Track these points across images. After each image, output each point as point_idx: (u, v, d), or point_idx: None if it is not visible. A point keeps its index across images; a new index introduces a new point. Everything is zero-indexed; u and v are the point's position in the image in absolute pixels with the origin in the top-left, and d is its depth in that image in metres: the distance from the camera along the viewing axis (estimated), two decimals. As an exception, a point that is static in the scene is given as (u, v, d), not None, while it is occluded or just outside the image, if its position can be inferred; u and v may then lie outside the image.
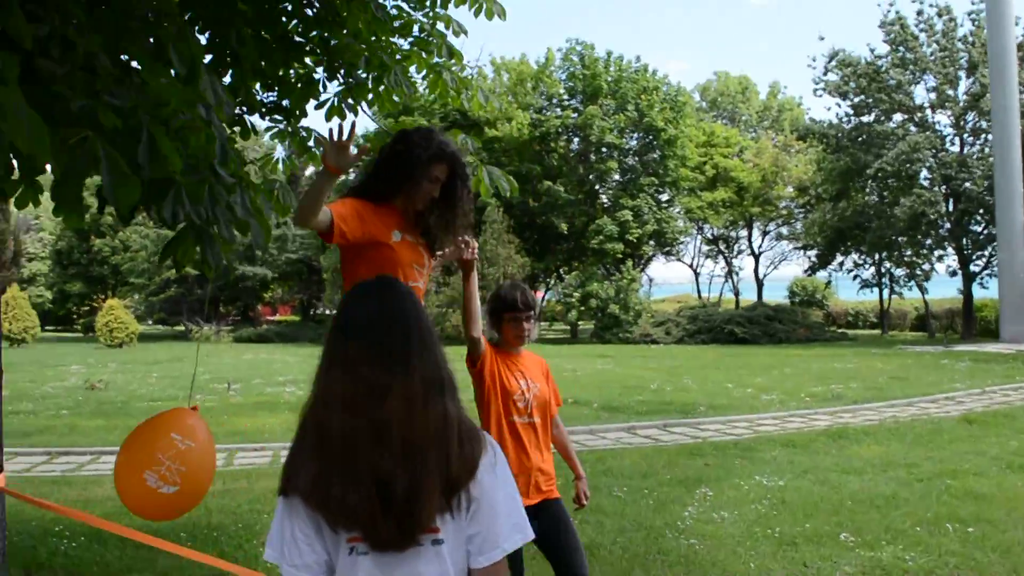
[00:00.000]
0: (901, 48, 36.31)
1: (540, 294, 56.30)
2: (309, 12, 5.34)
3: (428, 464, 1.89)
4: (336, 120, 5.67)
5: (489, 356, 4.16)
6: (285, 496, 1.98)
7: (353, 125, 3.27)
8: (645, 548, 6.67)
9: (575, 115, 42.81)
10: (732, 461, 10.16)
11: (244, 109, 5.88)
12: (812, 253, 43.61)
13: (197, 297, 49.07)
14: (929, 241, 37.38)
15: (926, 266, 38.96)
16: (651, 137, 43.32)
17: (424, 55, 5.86)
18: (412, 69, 6.11)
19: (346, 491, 1.88)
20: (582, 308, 41.75)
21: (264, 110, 5.94)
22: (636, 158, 44.78)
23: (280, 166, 6.65)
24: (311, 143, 6.30)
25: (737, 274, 54.64)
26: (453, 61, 5.84)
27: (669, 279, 70.00)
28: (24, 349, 37.98)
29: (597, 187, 45.06)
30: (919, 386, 18.00)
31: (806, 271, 45.04)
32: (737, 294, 54.01)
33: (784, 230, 51.02)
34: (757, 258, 52.14)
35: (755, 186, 45.18)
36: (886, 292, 43.30)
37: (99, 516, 7.66)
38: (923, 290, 39.82)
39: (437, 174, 3.72)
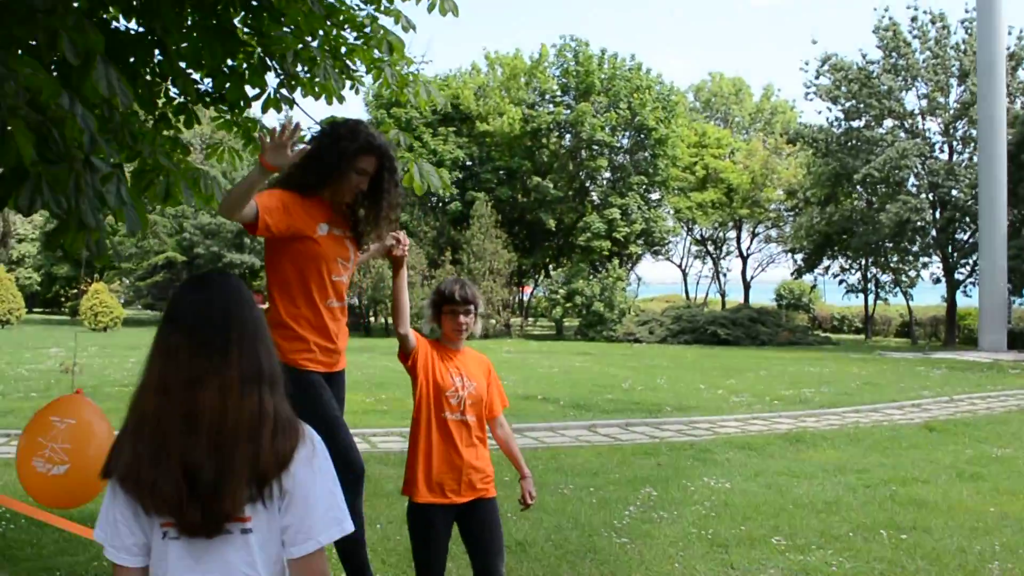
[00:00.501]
0: (894, 54, 36.36)
1: (528, 290, 56.44)
2: (254, 2, 5.37)
3: (236, 455, 1.93)
4: (277, 117, 5.71)
5: (423, 352, 4.11)
6: (108, 478, 2.03)
7: (297, 125, 3.28)
8: (578, 546, 6.71)
9: (567, 111, 42.85)
10: (685, 462, 10.21)
11: (186, 98, 5.91)
12: (799, 256, 43.65)
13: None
14: (915, 248, 37.49)
15: (912, 272, 39.14)
16: (642, 136, 43.38)
17: (367, 49, 5.87)
18: (360, 63, 6.14)
19: (156, 476, 1.93)
20: (567, 305, 41.84)
21: (208, 99, 5.96)
22: (627, 156, 44.84)
23: (227, 155, 6.66)
24: (257, 133, 6.33)
25: (725, 275, 54.81)
26: (396, 56, 5.85)
27: (661, 279, 70.08)
28: (8, 331, 37.95)
29: (588, 184, 45.10)
30: (890, 392, 18.08)
31: (792, 274, 45.13)
32: (723, 295, 54.14)
33: (773, 233, 51.16)
34: (745, 260, 52.27)
35: (744, 188, 45.27)
36: (872, 298, 43.45)
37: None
38: (908, 296, 39.95)
39: (364, 166, 3.74)
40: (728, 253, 54.03)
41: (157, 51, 5.35)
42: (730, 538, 6.96)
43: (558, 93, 44.38)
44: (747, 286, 52.23)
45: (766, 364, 25.90)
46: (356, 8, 5.87)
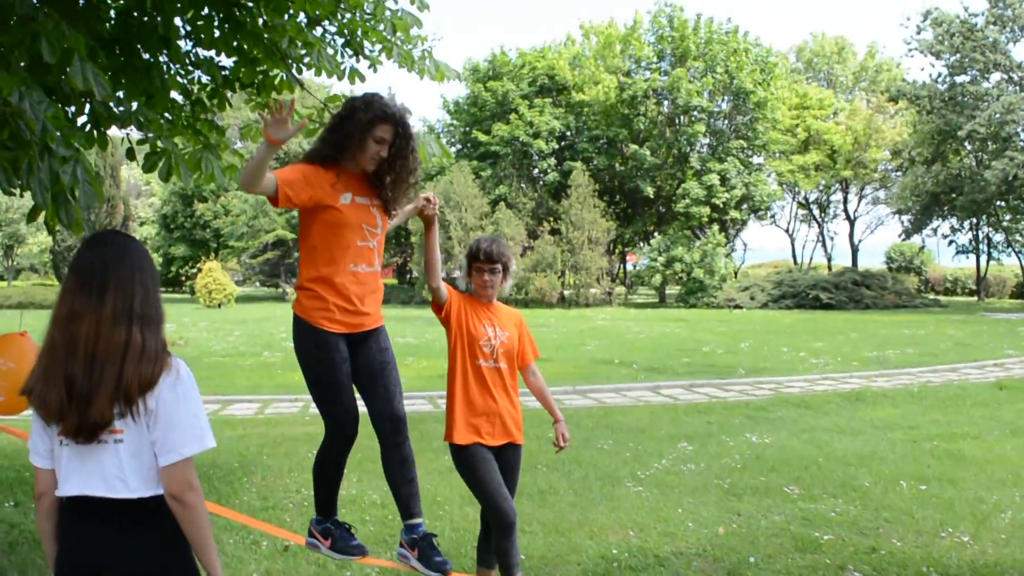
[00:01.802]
0: (1000, 4, 34.92)
1: (633, 258, 56.35)
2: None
3: (104, 373, 2.42)
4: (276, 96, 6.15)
5: (456, 303, 4.45)
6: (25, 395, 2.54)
7: (292, 102, 3.67)
8: (598, 494, 7.05)
9: (664, 77, 42.50)
10: (735, 420, 10.41)
11: (216, 83, 6.43)
12: (906, 218, 42.47)
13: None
14: (1028, 205, 36.17)
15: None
16: (740, 100, 42.74)
17: (377, 30, 6.29)
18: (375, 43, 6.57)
19: (47, 390, 2.44)
20: (668, 272, 41.76)
21: (235, 84, 6.47)
22: (726, 121, 44.30)
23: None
24: (259, 112, 6.83)
25: (832, 239, 53.66)
26: (400, 36, 6.24)
27: (770, 245, 68.94)
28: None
29: (686, 150, 44.60)
30: (978, 352, 17.74)
31: (900, 236, 43.99)
32: (829, 259, 53.06)
33: (881, 194, 49.83)
34: (852, 223, 51.06)
35: (846, 149, 44.21)
36: (984, 258, 42.06)
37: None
38: (1020, 256, 38.58)
39: (381, 134, 4.02)
40: (835, 216, 52.88)
41: (182, 43, 5.93)
42: (747, 488, 7.20)
43: (653, 60, 44.01)
44: (855, 249, 51.01)
45: (861, 327, 25.55)
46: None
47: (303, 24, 6.30)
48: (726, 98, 43.65)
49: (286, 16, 5.59)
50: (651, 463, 8.13)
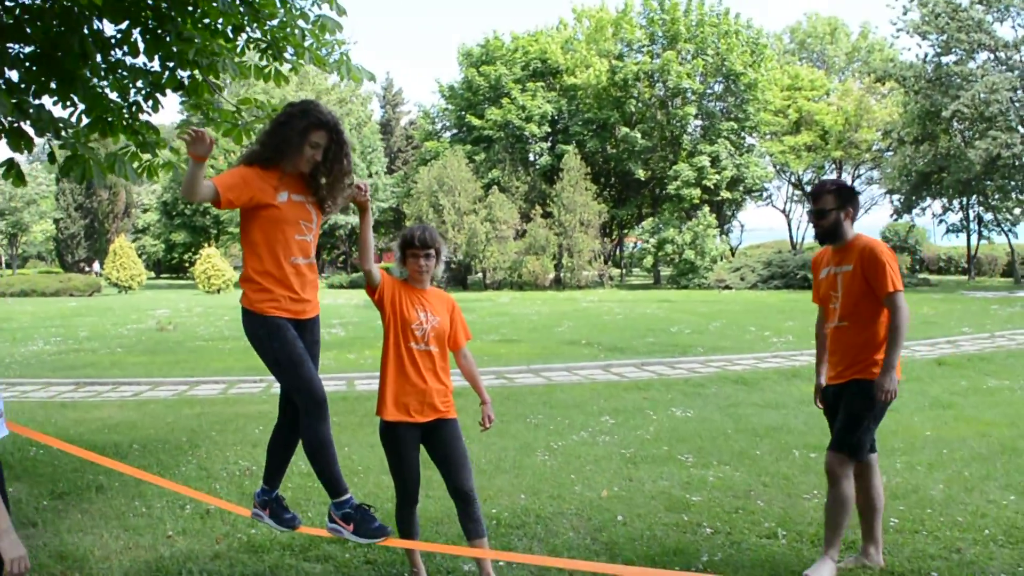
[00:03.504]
0: (986, -16, 35.14)
1: (632, 240, 56.74)
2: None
3: None
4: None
5: (389, 287, 4.78)
6: None
7: (203, 126, 4.19)
8: (509, 464, 7.60)
9: (655, 60, 42.87)
10: (669, 396, 10.95)
11: (150, 87, 7.01)
12: (895, 198, 42.84)
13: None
14: (1012, 184, 36.43)
15: (1016, 210, 38.10)
16: (731, 82, 43.12)
17: (292, 37, 6.85)
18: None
19: None
20: (659, 254, 42.29)
21: (164, 87, 7.04)
22: (717, 103, 44.69)
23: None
24: (215, 115, 7.40)
25: (825, 219, 53.77)
26: (316, 40, 6.80)
27: (775, 226, 69.03)
28: (128, 296, 40.68)
29: (679, 133, 44.99)
30: (942, 330, 18.22)
31: (891, 216, 44.33)
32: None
33: (874, 174, 50.12)
34: (846, 203, 51.27)
35: (837, 129, 44.52)
36: (976, 237, 42.38)
37: (79, 432, 9.07)
38: (1008, 235, 38.92)
39: (316, 140, 4.45)
40: (829, 196, 53.02)
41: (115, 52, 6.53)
42: (647, 456, 7.75)
43: (645, 42, 44.38)
44: (848, 229, 51.22)
45: (838, 307, 25.97)
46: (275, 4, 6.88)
47: (230, 32, 6.89)
48: (717, 80, 44.03)
49: (215, 26, 6.14)
50: (569, 436, 8.69)
